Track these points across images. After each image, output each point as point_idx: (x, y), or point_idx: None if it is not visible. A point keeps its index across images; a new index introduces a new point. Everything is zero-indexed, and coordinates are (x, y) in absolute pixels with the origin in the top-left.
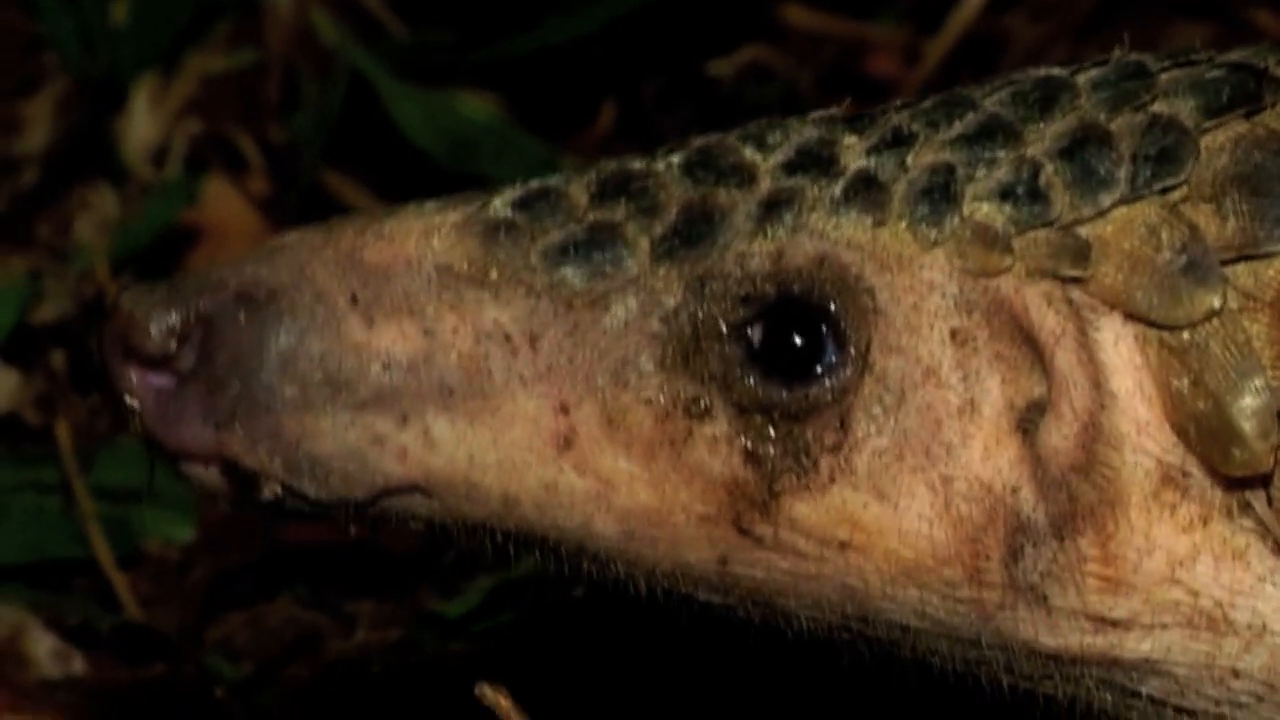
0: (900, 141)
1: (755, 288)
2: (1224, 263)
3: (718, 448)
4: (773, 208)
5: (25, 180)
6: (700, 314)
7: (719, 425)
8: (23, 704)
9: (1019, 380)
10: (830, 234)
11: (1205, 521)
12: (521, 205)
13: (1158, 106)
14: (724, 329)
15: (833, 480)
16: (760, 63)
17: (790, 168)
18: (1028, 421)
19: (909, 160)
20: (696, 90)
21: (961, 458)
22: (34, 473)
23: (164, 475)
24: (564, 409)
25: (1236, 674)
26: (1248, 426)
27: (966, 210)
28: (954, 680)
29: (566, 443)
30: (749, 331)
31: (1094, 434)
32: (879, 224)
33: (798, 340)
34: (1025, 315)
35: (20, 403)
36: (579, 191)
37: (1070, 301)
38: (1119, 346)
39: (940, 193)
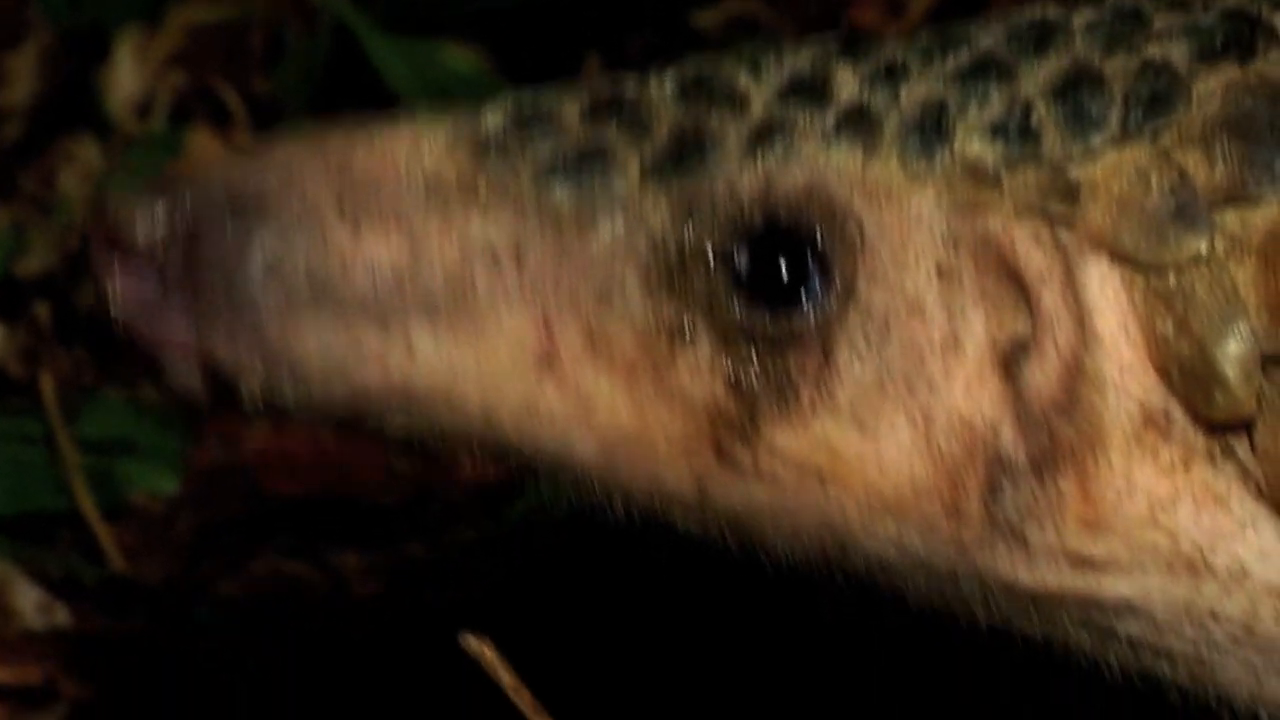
0: (894, 74)
1: (743, 214)
2: (1212, 208)
3: (699, 372)
4: (764, 135)
5: (9, 133)
6: (687, 238)
7: (701, 350)
8: (7, 656)
9: (1003, 318)
10: (820, 164)
11: (1187, 465)
12: (513, 122)
13: (1151, 50)
14: (710, 254)
15: (813, 410)
16: (745, 15)
17: (783, 95)
18: (1010, 360)
19: (902, 93)
20: (681, 42)
21: (943, 393)
22: (18, 425)
23: (149, 429)
24: (547, 327)
25: (1215, 617)
26: (1231, 371)
27: (957, 146)
28: (930, 615)
29: (548, 361)
30: (735, 257)
31: (1077, 374)
32: (870, 156)
33: (783, 268)
34: (1012, 253)
35: (4, 355)
36: (571, 110)
37: (1058, 241)
38: (1105, 288)
39: (932, 127)
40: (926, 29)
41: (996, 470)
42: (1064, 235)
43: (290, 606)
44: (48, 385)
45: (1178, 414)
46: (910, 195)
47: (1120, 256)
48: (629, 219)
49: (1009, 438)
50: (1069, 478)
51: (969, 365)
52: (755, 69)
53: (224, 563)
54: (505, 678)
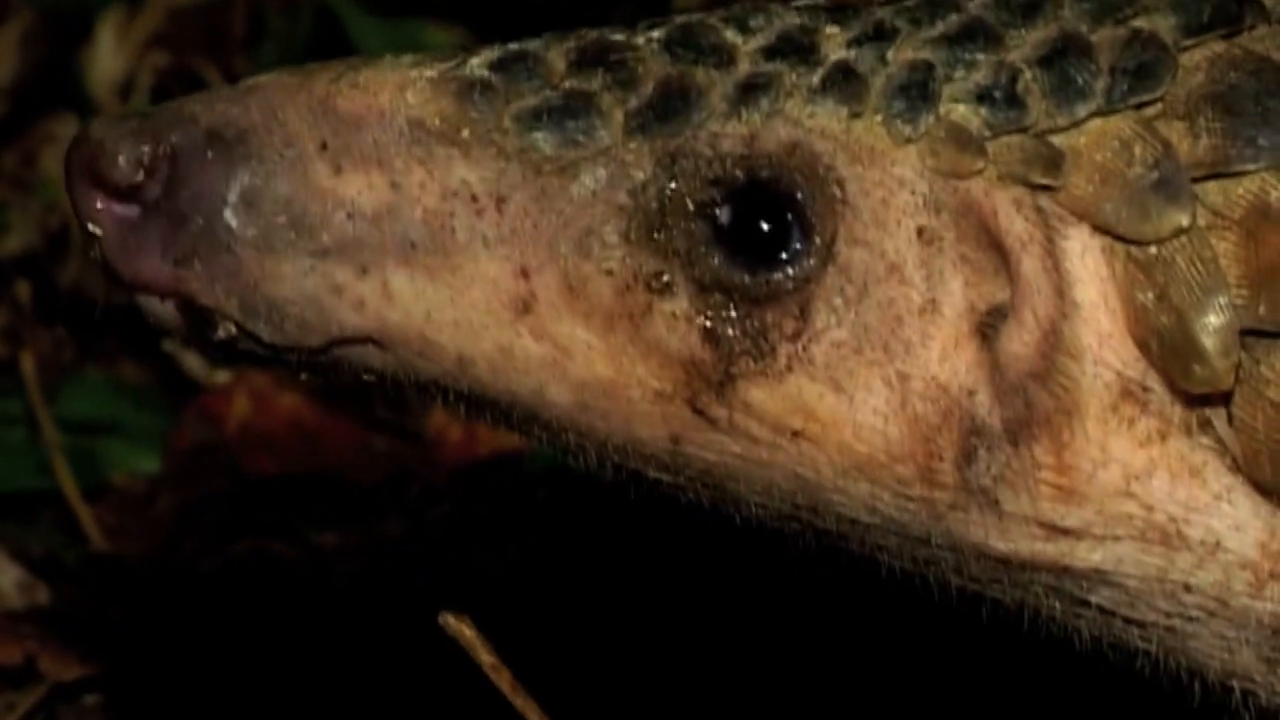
0: (882, 36)
1: (725, 169)
2: (1195, 180)
3: (676, 325)
4: (749, 91)
5: None
6: (668, 190)
7: (679, 302)
8: None
9: (982, 284)
10: (804, 122)
11: (1163, 437)
12: (498, 67)
13: (1139, 22)
14: (691, 207)
15: (790, 368)
16: None
17: (770, 52)
18: (988, 326)
19: (889, 55)
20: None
21: (920, 356)
22: None
23: (129, 408)
24: (525, 274)
25: (1188, 589)
26: (1210, 343)
27: (942, 110)
28: (901, 578)
29: (525, 307)
30: (716, 212)
31: (1054, 343)
32: (854, 116)
33: (764, 225)
34: (994, 219)
35: None
36: (557, 58)
37: (1039, 209)
38: (1085, 257)
39: (918, 90)
40: None
41: (971, 436)
42: (1046, 203)
43: (270, 585)
44: (28, 365)
45: (1155, 386)
46: (893, 157)
47: (1102, 226)
48: (611, 169)
49: (985, 404)
50: (1044, 446)
51: (947, 330)
52: (743, 26)
53: (204, 542)
54: (484, 657)
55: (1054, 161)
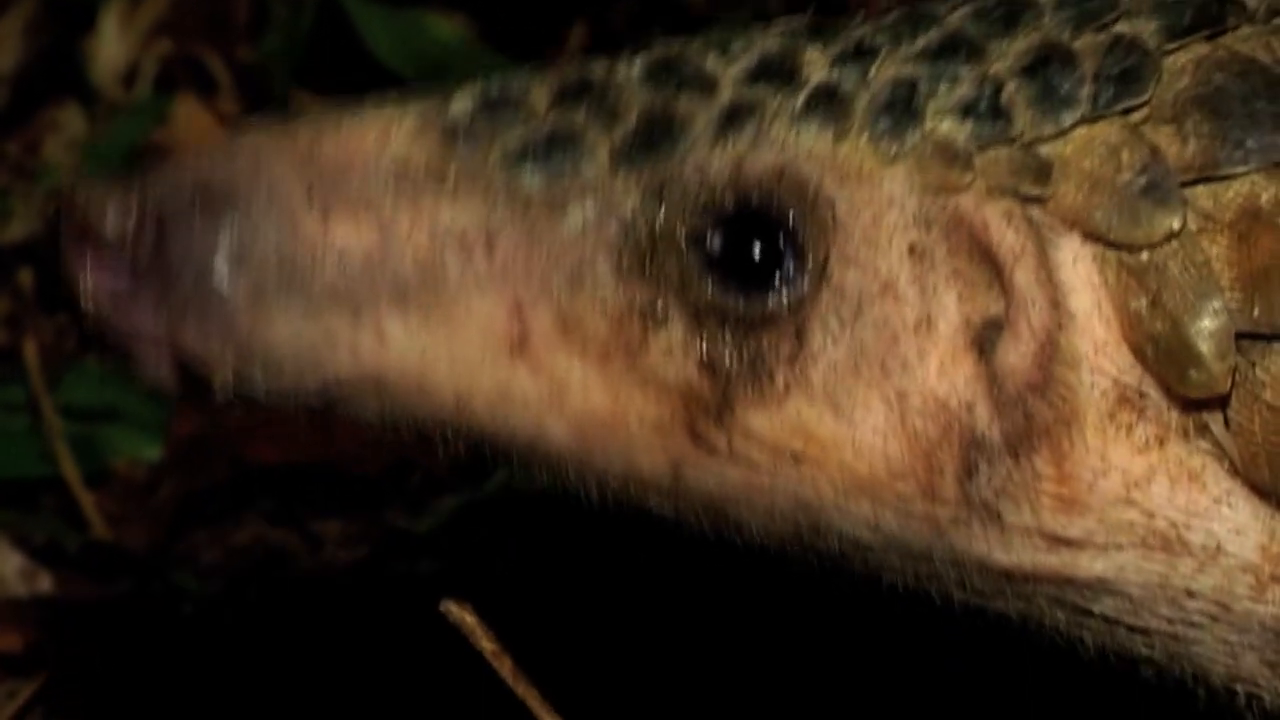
0: (863, 54)
1: (714, 197)
2: (1184, 184)
3: (673, 354)
4: (733, 117)
5: None
6: (658, 221)
7: (674, 332)
8: None
9: (976, 297)
10: (790, 145)
11: (1161, 443)
12: (482, 106)
13: (1121, 27)
14: (682, 237)
15: (788, 392)
16: None
17: (752, 77)
18: (984, 339)
19: (871, 74)
20: (667, 11)
21: (917, 373)
22: (1, 392)
23: (131, 396)
24: (518, 311)
25: (1190, 594)
26: (1205, 347)
27: (928, 126)
28: (906, 595)
29: (520, 345)
30: (707, 240)
31: (1051, 353)
32: (840, 137)
33: (756, 250)
34: (984, 233)
35: None
36: (539, 95)
37: (1030, 220)
38: (1078, 266)
39: (902, 107)
40: (896, 9)
41: (971, 450)
42: (1036, 214)
43: (272, 573)
44: (31, 352)
45: (1152, 391)
46: (881, 176)
47: (1093, 234)
48: (599, 203)
49: (984, 417)
50: (1044, 457)
51: (943, 345)
52: (724, 51)
53: (206, 530)
54: (486, 644)
55: (1042, 171)
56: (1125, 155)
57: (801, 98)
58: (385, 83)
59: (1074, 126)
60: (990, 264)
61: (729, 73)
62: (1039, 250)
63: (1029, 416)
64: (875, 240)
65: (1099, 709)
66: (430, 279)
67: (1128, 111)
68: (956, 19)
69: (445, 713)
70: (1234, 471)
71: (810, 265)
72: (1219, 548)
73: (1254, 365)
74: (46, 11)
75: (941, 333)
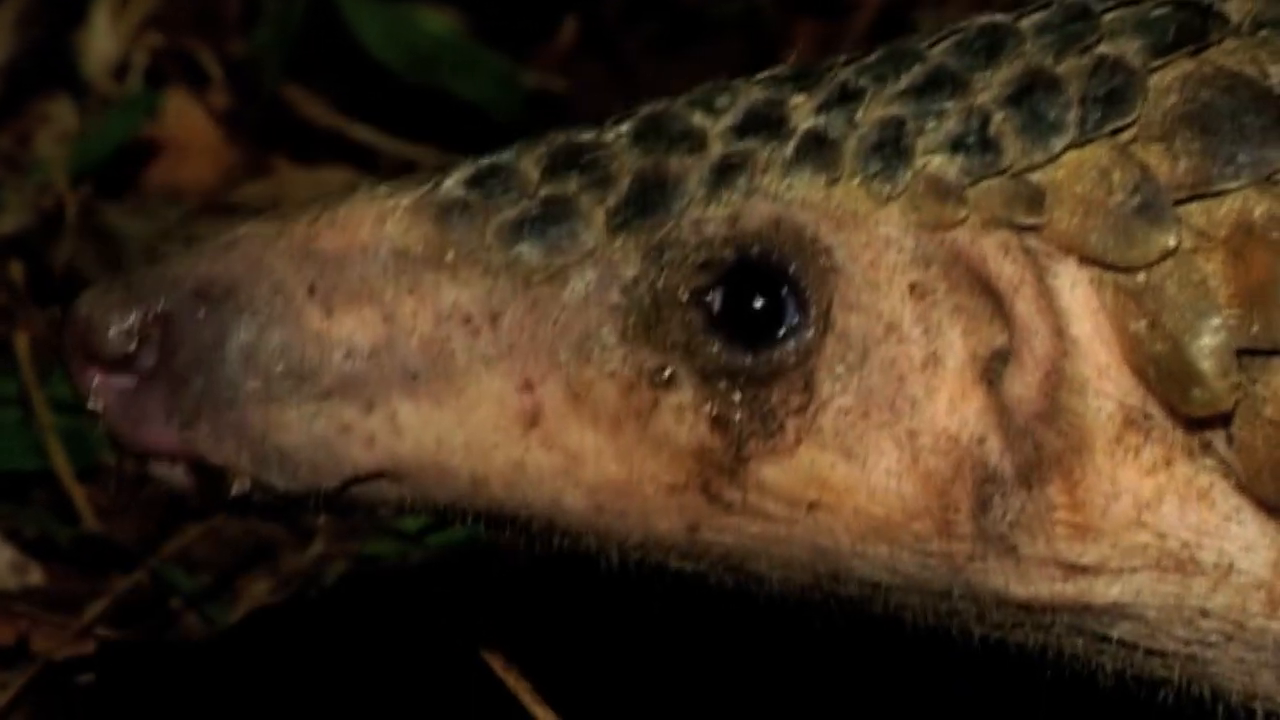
0: (848, 97)
1: (713, 253)
2: (1177, 202)
3: (684, 416)
4: (725, 172)
5: None
6: (659, 283)
7: (684, 393)
8: None
9: (980, 331)
10: (784, 195)
11: (1169, 463)
12: (473, 183)
13: (1104, 48)
14: (684, 296)
15: (799, 442)
16: None
17: (740, 131)
18: (991, 372)
19: (858, 116)
20: (658, 6)
21: (927, 411)
22: None
23: None
24: (528, 386)
25: (1205, 614)
26: (1206, 366)
27: (918, 163)
28: (925, 634)
29: (532, 420)
30: (709, 298)
31: (1057, 380)
32: (832, 182)
33: (758, 303)
34: (983, 265)
35: None
36: (530, 166)
37: (1027, 249)
38: (1076, 291)
39: (891, 147)
40: (877, 48)
41: (985, 484)
42: (1032, 242)
43: (262, 566)
44: (22, 345)
45: (1156, 412)
46: (876, 217)
47: (1089, 258)
48: (599, 269)
49: (995, 450)
50: (1056, 485)
51: (950, 381)
52: (709, 107)
53: (197, 523)
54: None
55: (1035, 199)
56: (1116, 177)
57: (791, 146)
58: (377, 76)
59: (1064, 151)
60: (991, 296)
61: (717, 128)
62: (1038, 278)
63: (1039, 445)
64: (876, 283)
65: None
66: (438, 362)
67: (1116, 132)
68: (938, 53)
69: (437, 706)
70: (1240, 488)
71: (814, 313)
72: (1231, 565)
73: (1255, 381)
74: (38, 5)
75: (949, 368)
